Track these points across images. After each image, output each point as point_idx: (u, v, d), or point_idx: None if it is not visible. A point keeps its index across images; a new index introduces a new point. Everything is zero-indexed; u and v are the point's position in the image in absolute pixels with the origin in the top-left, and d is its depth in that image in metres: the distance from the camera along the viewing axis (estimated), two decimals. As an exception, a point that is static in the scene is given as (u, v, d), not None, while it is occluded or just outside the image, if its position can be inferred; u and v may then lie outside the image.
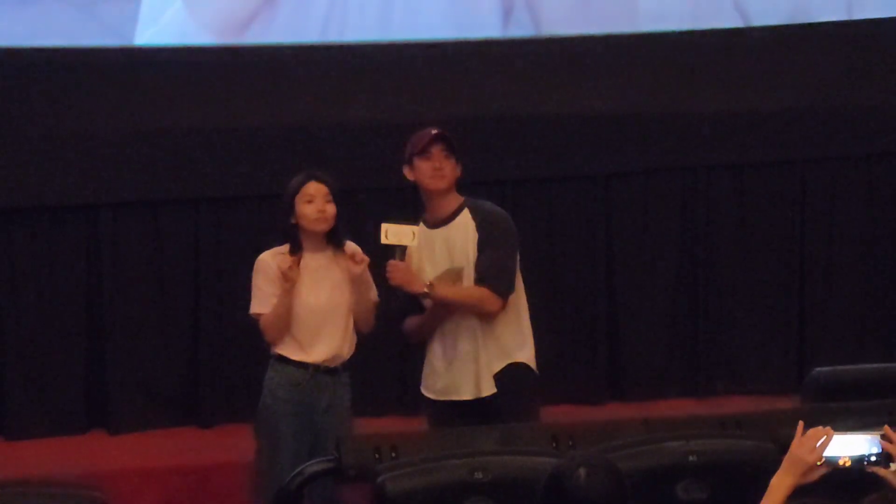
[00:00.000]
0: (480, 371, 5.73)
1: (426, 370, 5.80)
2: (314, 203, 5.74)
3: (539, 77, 7.59)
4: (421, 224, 5.70)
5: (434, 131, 5.71)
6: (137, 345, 7.04)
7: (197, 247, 7.14)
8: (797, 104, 7.68)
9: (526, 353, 5.82)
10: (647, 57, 7.73)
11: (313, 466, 5.52)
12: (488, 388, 5.66)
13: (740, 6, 7.86)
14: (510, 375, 5.72)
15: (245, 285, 6.06)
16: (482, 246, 5.67)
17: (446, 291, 5.63)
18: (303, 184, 5.81)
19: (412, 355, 7.03)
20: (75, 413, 6.94)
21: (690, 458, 4.82)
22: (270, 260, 5.96)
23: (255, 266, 6.04)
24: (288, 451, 6.00)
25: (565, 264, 7.76)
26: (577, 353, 7.66)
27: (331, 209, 5.69)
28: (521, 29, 7.66)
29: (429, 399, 5.79)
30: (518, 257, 5.82)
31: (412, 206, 6.86)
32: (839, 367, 6.49)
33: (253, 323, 5.96)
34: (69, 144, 6.82)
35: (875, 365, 6.76)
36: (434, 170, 5.60)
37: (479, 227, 5.68)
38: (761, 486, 4.70)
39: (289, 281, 5.85)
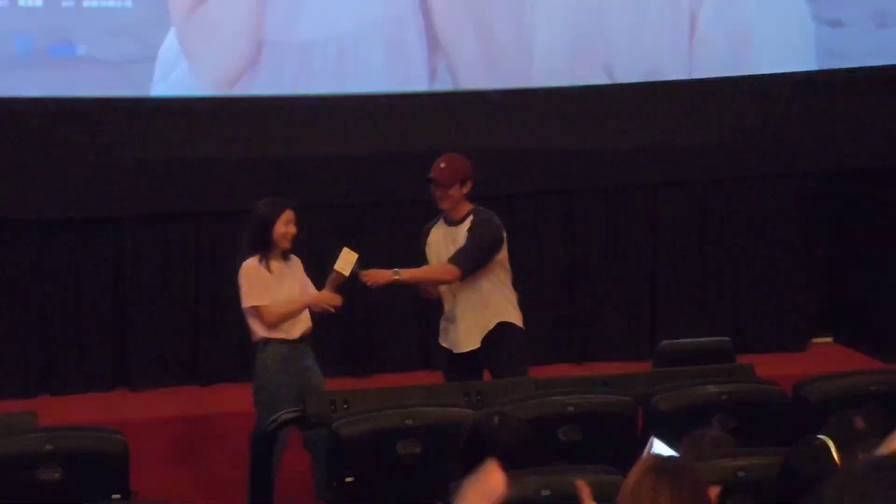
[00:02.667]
0: (472, 329, 6.05)
1: (440, 328, 6.21)
2: (289, 226, 6.01)
3: (456, 121, 7.65)
4: (441, 220, 6.19)
5: (429, 175, 6.13)
6: (152, 323, 7.29)
7: (198, 249, 7.39)
8: (648, 142, 7.77)
9: (513, 315, 6.13)
10: (538, 105, 7.74)
11: (284, 416, 5.78)
12: (476, 343, 6.03)
13: (608, 68, 7.88)
14: (500, 332, 6.06)
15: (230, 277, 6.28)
16: (466, 239, 6.05)
17: (409, 274, 6.09)
18: (283, 209, 6.02)
19: (358, 329, 7.64)
20: (104, 375, 7.20)
21: (569, 408, 5.12)
22: (258, 265, 6.11)
23: (247, 270, 6.13)
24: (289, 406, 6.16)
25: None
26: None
27: (294, 230, 6.05)
28: (443, 84, 7.75)
29: (444, 348, 6.17)
30: (496, 247, 6.13)
31: (370, 223, 7.58)
32: (681, 340, 6.84)
33: (247, 313, 6.08)
34: (102, 170, 7.06)
35: (709, 338, 7.11)
36: (436, 198, 6.07)
37: (470, 228, 6.06)
38: (623, 431, 5.14)
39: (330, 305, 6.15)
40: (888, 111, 7.97)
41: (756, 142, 7.92)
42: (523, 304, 6.54)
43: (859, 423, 4.26)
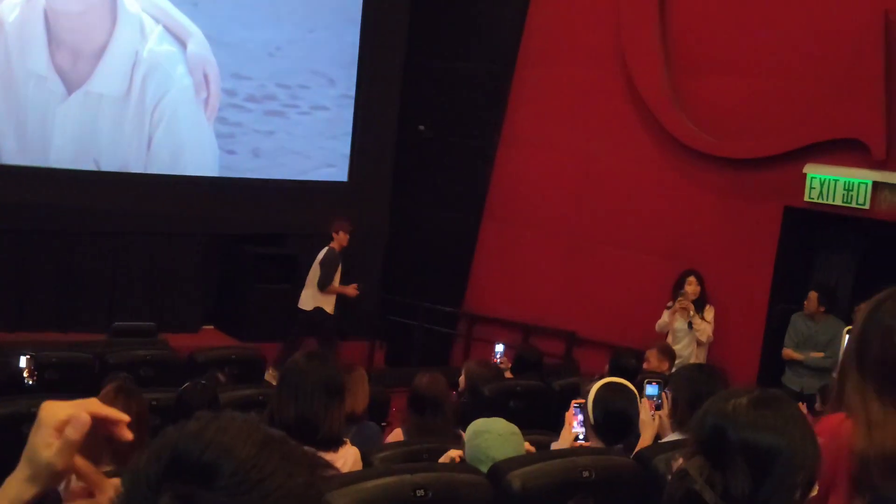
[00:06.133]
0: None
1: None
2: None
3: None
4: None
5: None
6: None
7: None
8: (118, 205, 8.79)
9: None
10: (54, 178, 8.52)
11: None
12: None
13: (96, 160, 8.81)
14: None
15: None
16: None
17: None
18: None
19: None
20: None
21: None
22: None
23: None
24: None
25: None
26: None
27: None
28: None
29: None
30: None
31: None
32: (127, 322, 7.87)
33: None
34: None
35: (141, 322, 8.27)
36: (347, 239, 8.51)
37: None
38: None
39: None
40: (249, 200, 9.53)
41: (184, 212, 9.24)
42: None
43: (221, 377, 5.63)
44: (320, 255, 8.59)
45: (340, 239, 8.47)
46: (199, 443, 0.96)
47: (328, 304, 8.57)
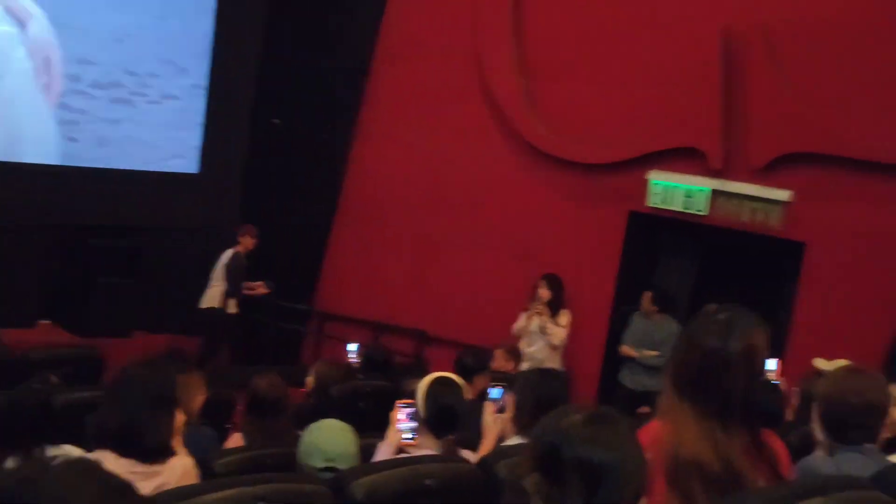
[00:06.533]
0: None
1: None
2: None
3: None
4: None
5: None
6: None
7: None
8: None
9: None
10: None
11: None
12: None
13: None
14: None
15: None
16: None
17: None
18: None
19: None
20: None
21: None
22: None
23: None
24: None
25: None
26: None
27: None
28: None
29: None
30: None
31: None
32: None
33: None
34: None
35: None
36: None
37: None
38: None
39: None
40: (92, 190, 9.25)
41: (21, 201, 8.79)
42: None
43: (53, 378, 5.11)
44: (225, 259, 8.68)
45: (246, 243, 8.62)
46: (30, 495, 0.92)
47: (231, 305, 8.68)
